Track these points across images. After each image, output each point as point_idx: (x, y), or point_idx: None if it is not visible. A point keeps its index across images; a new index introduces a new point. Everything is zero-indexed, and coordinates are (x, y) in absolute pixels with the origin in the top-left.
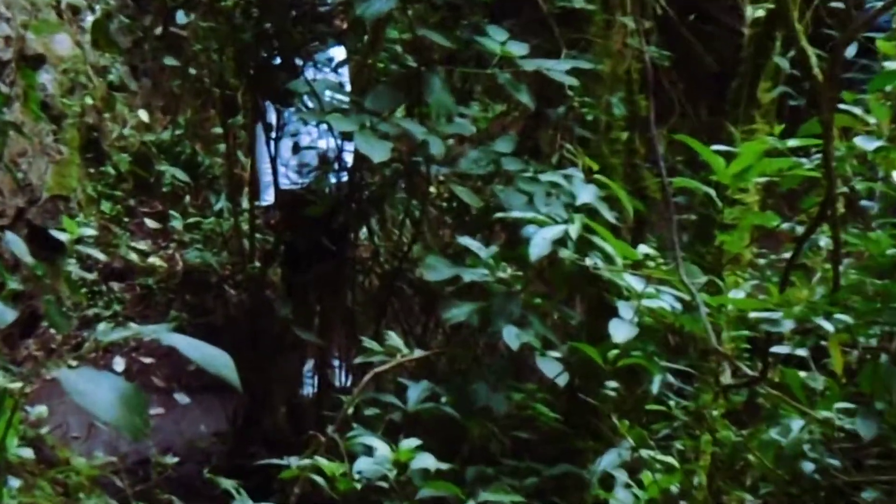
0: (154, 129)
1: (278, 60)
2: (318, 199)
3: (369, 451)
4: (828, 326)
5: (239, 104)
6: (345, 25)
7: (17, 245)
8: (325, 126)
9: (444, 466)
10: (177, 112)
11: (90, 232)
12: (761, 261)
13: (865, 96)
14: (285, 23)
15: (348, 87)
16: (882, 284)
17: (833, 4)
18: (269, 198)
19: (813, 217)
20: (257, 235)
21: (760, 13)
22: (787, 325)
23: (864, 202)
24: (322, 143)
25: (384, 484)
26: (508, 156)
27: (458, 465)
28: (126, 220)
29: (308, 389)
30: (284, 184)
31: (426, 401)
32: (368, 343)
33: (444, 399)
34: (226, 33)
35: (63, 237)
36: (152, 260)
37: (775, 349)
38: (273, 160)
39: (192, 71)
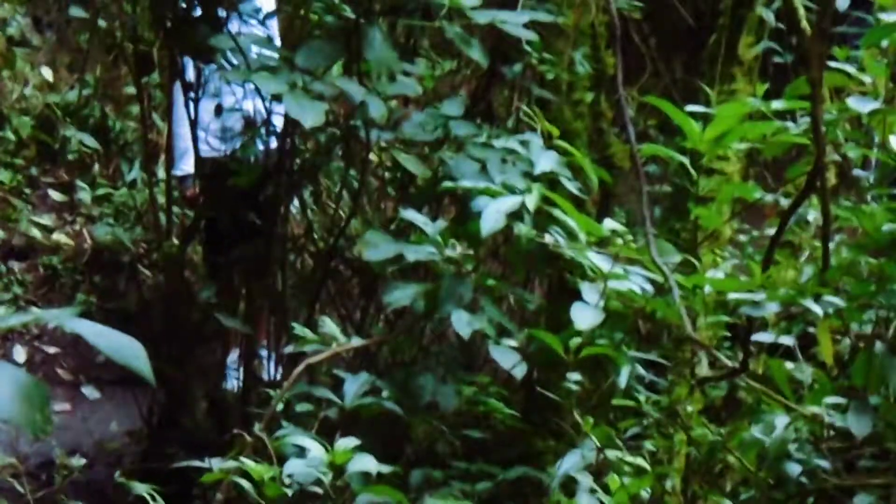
0: (59, 88)
1: (198, 12)
2: (244, 169)
3: (301, 451)
4: (817, 310)
5: (154, 61)
6: None
7: None
8: (251, 86)
9: (386, 469)
10: (84, 70)
11: None
12: (742, 237)
13: (859, 52)
14: None
15: (278, 42)
16: (877, 264)
17: None
18: (187, 167)
19: (800, 188)
20: (175, 209)
21: None
22: (771, 310)
23: (857, 171)
24: (248, 105)
25: (318, 489)
26: (458, 119)
27: (402, 468)
28: (27, 191)
29: (232, 383)
30: (205, 151)
31: (365, 395)
32: (300, 330)
33: (385, 393)
34: None
35: None
36: (57, 237)
37: (758, 337)
38: (193, 124)
39: (102, 23)
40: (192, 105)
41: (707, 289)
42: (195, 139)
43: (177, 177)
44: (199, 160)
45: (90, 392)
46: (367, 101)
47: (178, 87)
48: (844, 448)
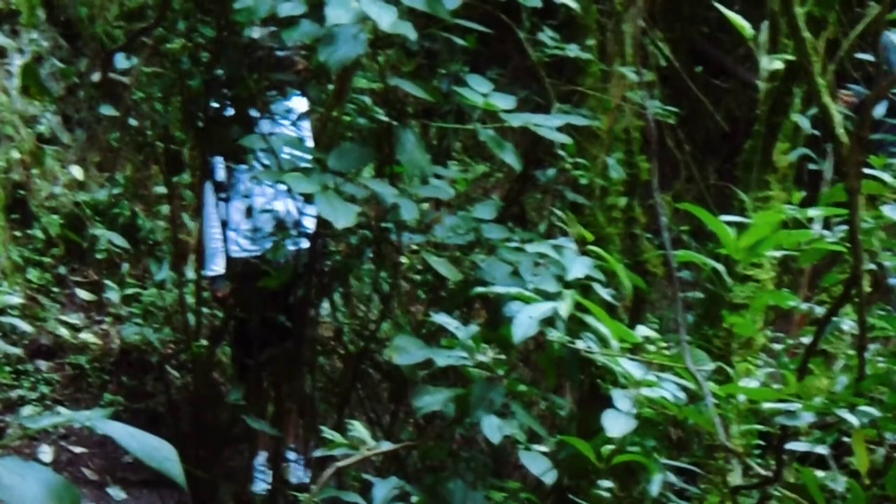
0: (89, 187)
1: (230, 112)
2: (274, 270)
3: None
4: (851, 420)
5: (185, 161)
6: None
7: None
8: (282, 187)
9: None
10: (114, 169)
11: (15, 301)
12: (776, 346)
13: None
14: (239, 69)
15: (310, 144)
16: None
17: (860, 56)
18: (218, 267)
19: (835, 297)
20: (204, 310)
21: (778, 65)
22: (806, 419)
23: (893, 280)
24: (279, 206)
25: None
26: (491, 223)
27: None
28: (56, 290)
29: (261, 485)
30: (235, 251)
31: (395, 500)
32: (329, 434)
33: (415, 499)
34: (171, 80)
35: None
36: (85, 336)
37: (791, 446)
38: (223, 224)
39: (133, 122)
40: (222, 205)
41: (740, 397)
42: (226, 240)
43: (207, 277)
44: (230, 261)
45: (116, 493)
46: (399, 203)
47: (209, 187)
48: None
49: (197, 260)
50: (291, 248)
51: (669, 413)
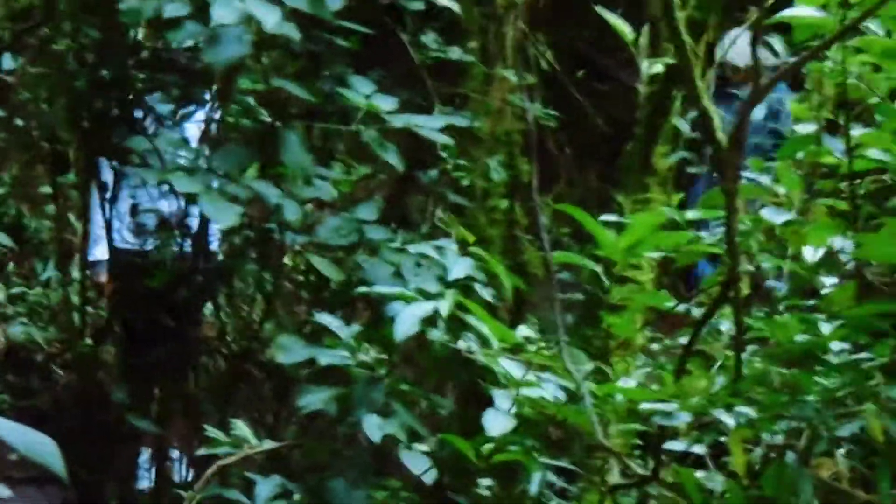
0: None
1: (115, 112)
2: (159, 270)
3: None
4: (728, 420)
5: (70, 161)
6: None
7: None
8: (167, 187)
9: None
10: (1, 168)
11: None
12: (654, 346)
13: (774, 164)
14: (124, 70)
15: (194, 145)
16: (789, 374)
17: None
18: (99, 254)
19: (713, 298)
20: (90, 309)
21: (658, 69)
22: (683, 419)
23: (770, 282)
24: (164, 207)
25: None
26: (373, 224)
27: None
28: None
29: (144, 483)
30: (119, 243)
31: (277, 498)
32: (213, 433)
33: (297, 497)
34: (57, 81)
35: None
36: None
37: (669, 445)
38: (108, 224)
39: (19, 122)
40: (107, 205)
41: (619, 397)
42: (111, 240)
43: (88, 262)
44: (113, 251)
45: (1, 491)
46: (283, 204)
47: (94, 183)
48: None
49: (82, 259)
50: (176, 248)
51: (549, 413)
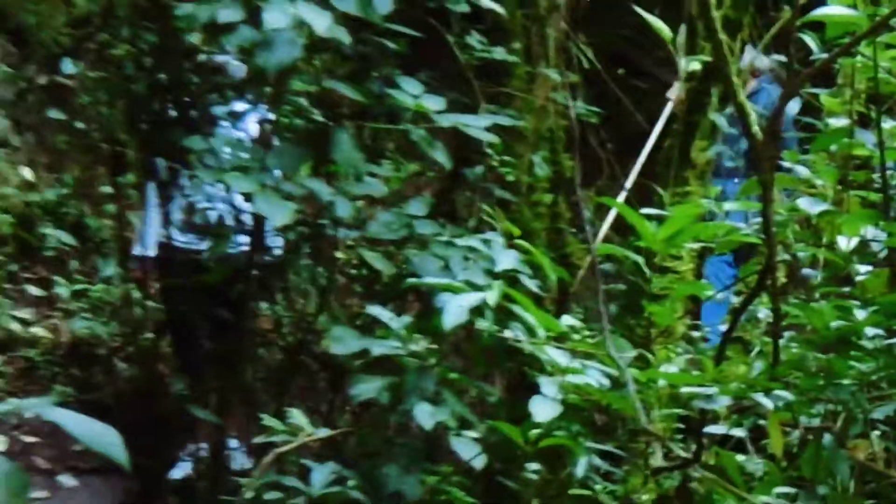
0: (38, 188)
1: (173, 114)
2: (215, 266)
3: None
4: (767, 404)
5: (129, 162)
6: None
7: None
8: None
9: None
10: (63, 170)
11: None
12: (695, 333)
13: (808, 156)
14: (180, 73)
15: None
16: (825, 359)
17: (774, 57)
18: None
19: (751, 286)
20: (151, 304)
21: (696, 66)
22: (723, 403)
23: (806, 270)
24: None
25: None
26: (422, 219)
27: None
28: (7, 286)
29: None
30: (176, 247)
31: (332, 484)
32: (270, 421)
33: (351, 482)
34: (116, 84)
35: None
36: (35, 330)
37: (710, 429)
38: (165, 222)
39: (80, 125)
40: (161, 204)
41: (661, 383)
42: (167, 235)
43: (147, 259)
44: (171, 253)
45: (67, 480)
46: (335, 201)
47: (151, 185)
48: None
49: (138, 256)
50: (231, 245)
51: (593, 399)
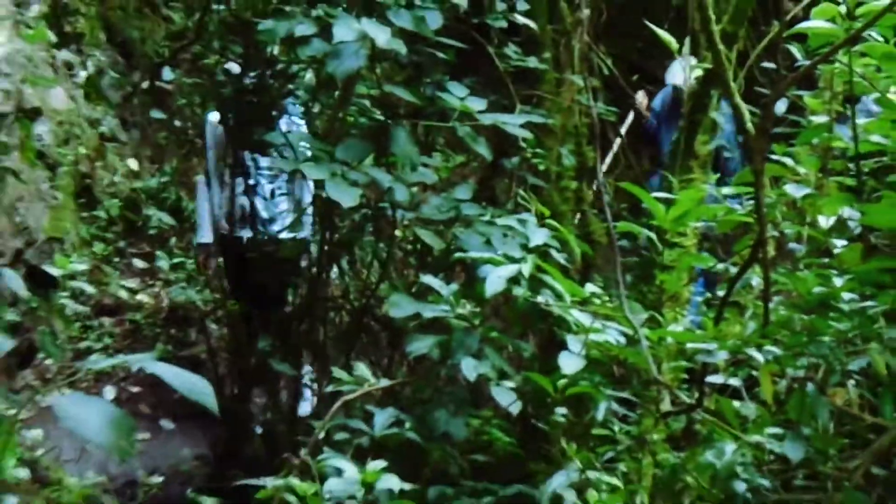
0: (142, 176)
1: (256, 114)
2: (291, 243)
3: (339, 472)
4: (759, 358)
5: None
6: None
7: (13, 281)
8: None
9: (408, 487)
10: (163, 161)
11: (82, 267)
12: (698, 298)
13: (794, 148)
14: (262, 79)
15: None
16: (809, 320)
17: (765, 65)
18: (205, 238)
19: (745, 258)
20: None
21: (698, 72)
22: (722, 357)
23: (792, 245)
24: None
25: (353, 503)
26: (467, 202)
27: (421, 486)
28: (116, 260)
29: (283, 417)
30: (258, 228)
31: (391, 427)
32: (338, 373)
33: (407, 425)
34: (208, 89)
35: (56, 272)
36: (140, 297)
37: (711, 379)
38: (252, 205)
39: (177, 123)
40: (238, 188)
41: (669, 340)
42: (252, 217)
43: (200, 244)
44: (255, 231)
45: (166, 424)
46: (394, 187)
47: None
48: (782, 470)
49: (230, 234)
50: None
51: (612, 354)
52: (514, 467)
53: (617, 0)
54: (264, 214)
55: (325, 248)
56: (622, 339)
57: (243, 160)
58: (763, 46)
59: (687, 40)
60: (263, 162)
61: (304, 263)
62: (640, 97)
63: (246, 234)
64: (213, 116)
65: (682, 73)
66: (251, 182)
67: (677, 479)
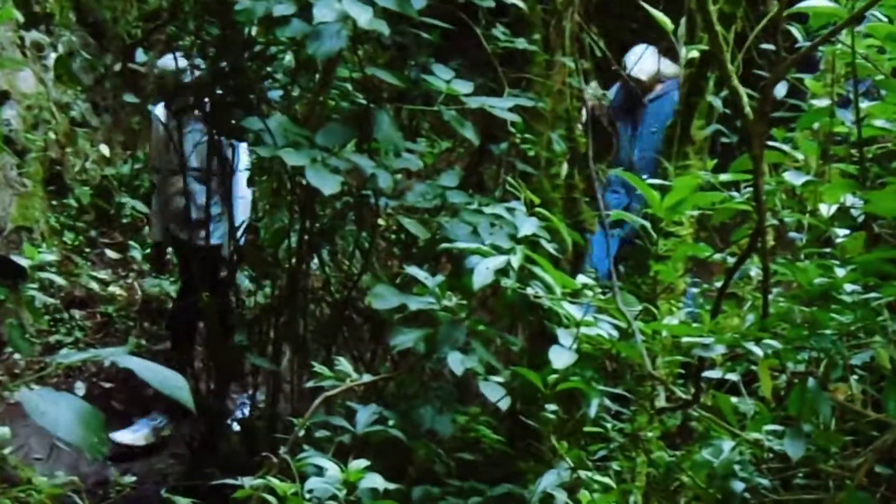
0: (114, 163)
1: (233, 98)
2: (273, 234)
3: (320, 471)
4: (757, 352)
5: None
6: None
7: None
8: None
9: (392, 486)
10: (136, 147)
11: (51, 258)
12: (694, 290)
13: (794, 134)
14: (240, 62)
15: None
16: (809, 312)
17: (764, 46)
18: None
19: (743, 248)
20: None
21: (694, 54)
22: (719, 351)
23: (792, 234)
24: None
25: (334, 503)
26: (454, 189)
27: (406, 486)
28: (87, 250)
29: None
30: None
31: (374, 424)
32: (319, 368)
33: (391, 422)
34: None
35: (25, 262)
36: (112, 289)
37: (707, 374)
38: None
39: (151, 107)
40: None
41: (664, 333)
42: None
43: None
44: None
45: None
46: (377, 173)
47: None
48: (782, 469)
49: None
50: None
51: (605, 348)
52: (503, 466)
53: None
54: (195, 216)
55: (305, 237)
56: (615, 333)
57: (182, 158)
58: (762, 27)
59: (682, 21)
60: (194, 162)
61: (223, 273)
62: (589, 93)
63: (183, 235)
64: (158, 110)
65: (646, 63)
66: (184, 184)
67: (672, 478)
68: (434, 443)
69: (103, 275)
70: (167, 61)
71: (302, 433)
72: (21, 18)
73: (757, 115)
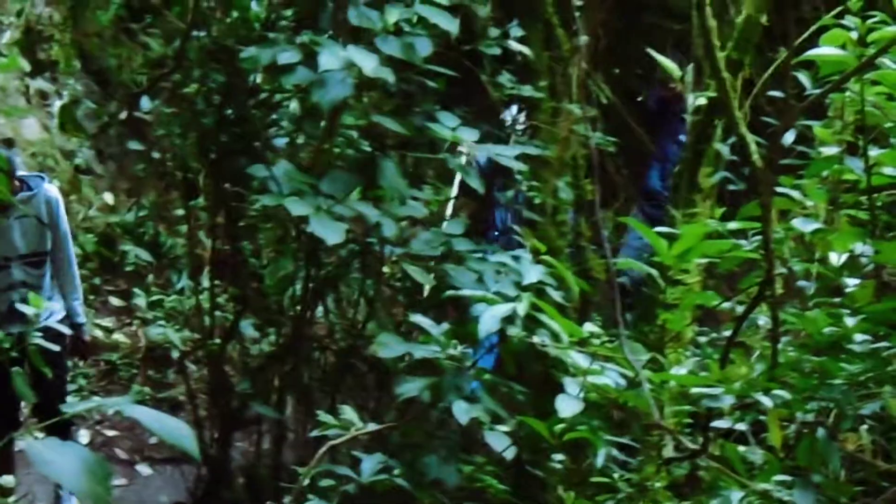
0: (119, 210)
1: (238, 145)
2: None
3: None
4: (766, 402)
5: (200, 187)
6: None
7: None
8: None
9: None
10: (141, 194)
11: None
12: (702, 339)
13: (803, 181)
14: (245, 109)
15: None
16: (819, 361)
17: (772, 93)
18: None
19: (752, 297)
20: (217, 313)
21: (702, 101)
22: (728, 401)
23: (801, 282)
24: None
25: None
26: (459, 237)
27: None
28: (91, 297)
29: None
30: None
31: (380, 473)
32: (324, 417)
33: (396, 471)
34: (188, 119)
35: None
36: (116, 336)
37: (716, 424)
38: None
39: (156, 155)
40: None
41: (672, 383)
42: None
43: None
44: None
45: (144, 469)
46: (382, 221)
47: None
48: None
49: (210, 271)
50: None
51: (612, 397)
52: None
53: (616, 26)
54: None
55: (310, 285)
56: (622, 382)
57: (225, 194)
58: (770, 74)
59: (690, 67)
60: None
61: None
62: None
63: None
64: None
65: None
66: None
67: None
68: (439, 492)
69: (107, 322)
70: None
71: (306, 482)
72: (27, 66)
73: (765, 163)
